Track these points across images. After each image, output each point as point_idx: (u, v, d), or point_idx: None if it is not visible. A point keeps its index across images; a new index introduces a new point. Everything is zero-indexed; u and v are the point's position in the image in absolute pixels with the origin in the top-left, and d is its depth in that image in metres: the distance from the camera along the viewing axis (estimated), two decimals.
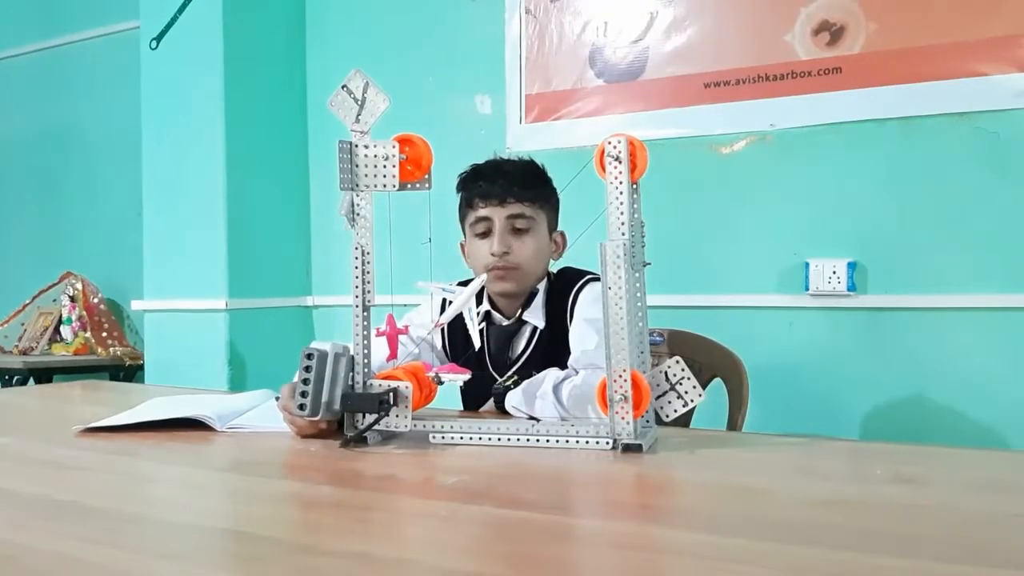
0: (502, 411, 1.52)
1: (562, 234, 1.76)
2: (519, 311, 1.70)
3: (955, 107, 2.19)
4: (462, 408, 1.66)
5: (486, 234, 1.67)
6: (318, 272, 3.19)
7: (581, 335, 1.61)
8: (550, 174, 1.74)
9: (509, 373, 1.59)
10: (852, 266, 2.28)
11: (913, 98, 2.23)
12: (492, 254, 1.63)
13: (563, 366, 1.58)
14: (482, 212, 1.67)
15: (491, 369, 1.68)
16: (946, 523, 0.85)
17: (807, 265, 2.33)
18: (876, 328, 2.28)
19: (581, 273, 1.70)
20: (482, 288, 1.71)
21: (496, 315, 1.72)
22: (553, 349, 1.65)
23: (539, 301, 1.70)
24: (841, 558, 0.74)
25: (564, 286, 1.70)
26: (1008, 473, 1.12)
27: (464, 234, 1.76)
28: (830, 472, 1.13)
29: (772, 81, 2.39)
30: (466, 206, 1.71)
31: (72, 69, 3.86)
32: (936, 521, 0.86)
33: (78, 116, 3.83)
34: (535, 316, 1.69)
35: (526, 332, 1.70)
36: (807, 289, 2.34)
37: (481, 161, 1.75)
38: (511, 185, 1.66)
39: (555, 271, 1.76)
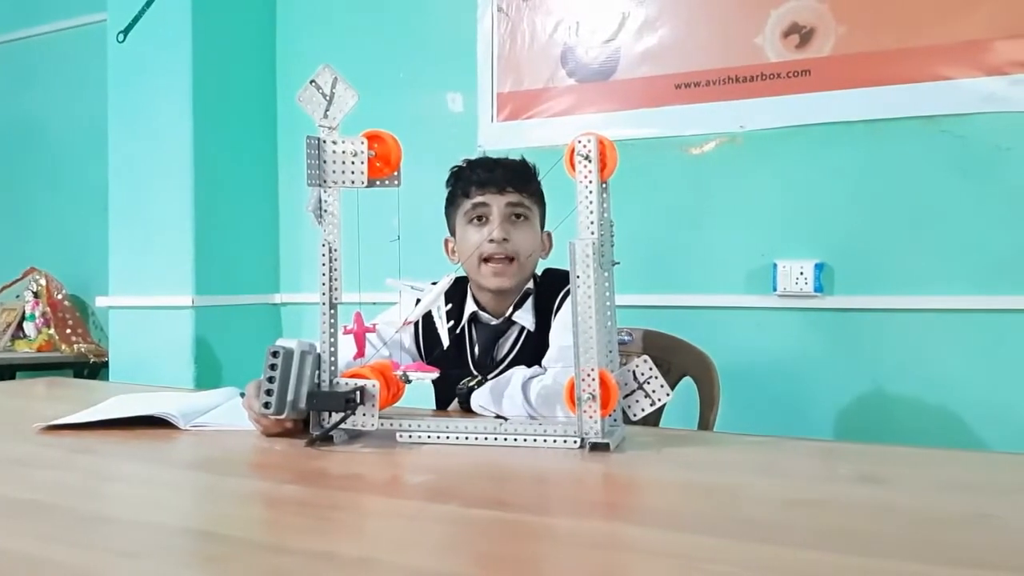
0: (467, 411, 1.51)
1: (549, 234, 1.76)
2: (509, 310, 1.69)
3: (922, 110, 2.21)
4: (435, 408, 1.65)
5: (482, 221, 1.66)
6: (286, 269, 3.17)
7: (560, 334, 1.61)
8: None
9: (474, 375, 1.58)
10: (819, 267, 2.30)
11: (881, 101, 2.25)
12: (492, 240, 1.62)
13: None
14: (480, 199, 1.66)
15: (473, 369, 1.67)
16: (909, 523, 0.86)
17: (775, 266, 2.35)
18: (843, 329, 2.30)
19: (567, 275, 1.70)
20: (464, 288, 1.71)
21: (483, 314, 1.71)
22: (540, 350, 1.64)
23: (531, 302, 1.70)
24: (805, 557, 0.74)
25: (551, 287, 1.69)
26: (972, 473, 1.13)
27: (452, 229, 1.75)
28: (796, 471, 1.14)
29: (742, 82, 2.40)
30: (461, 195, 1.70)
31: (38, 62, 3.80)
32: (899, 521, 0.86)
33: (43, 109, 3.77)
34: (526, 317, 1.68)
35: (513, 333, 1.70)
36: (775, 290, 2.35)
37: (457, 159, 1.76)
38: (510, 175, 1.67)
39: (540, 272, 1.75)
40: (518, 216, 1.67)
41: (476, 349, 1.70)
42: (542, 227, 1.74)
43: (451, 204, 1.74)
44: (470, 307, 1.71)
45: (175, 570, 0.77)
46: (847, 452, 1.31)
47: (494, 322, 1.70)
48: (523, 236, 1.66)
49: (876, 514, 0.89)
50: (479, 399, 1.50)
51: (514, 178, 1.67)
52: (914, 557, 0.74)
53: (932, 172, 2.21)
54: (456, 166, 1.74)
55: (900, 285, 2.24)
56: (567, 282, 1.65)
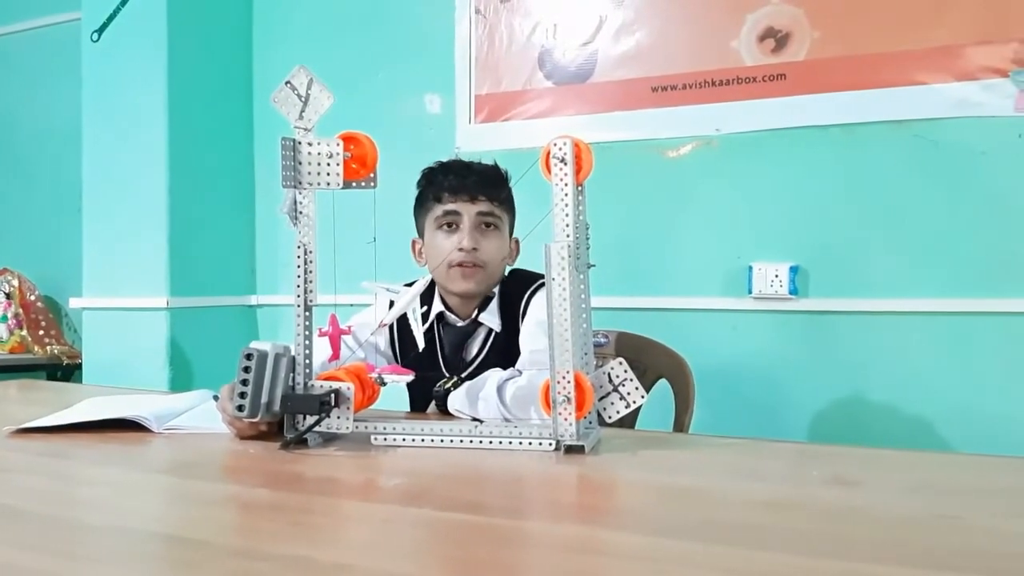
0: (445, 413, 1.51)
1: (516, 241, 1.77)
2: (474, 312, 1.69)
3: (895, 115, 2.23)
4: (409, 410, 1.65)
5: (452, 229, 1.66)
6: (263, 271, 3.15)
7: (531, 337, 1.61)
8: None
9: (448, 376, 1.58)
10: (794, 270, 2.32)
11: (855, 105, 2.27)
12: (461, 249, 1.62)
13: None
14: (451, 206, 1.66)
15: (444, 371, 1.67)
16: (879, 524, 0.86)
17: (750, 268, 2.36)
18: (817, 331, 2.32)
19: (534, 276, 1.70)
20: (432, 288, 1.70)
21: (450, 316, 1.71)
22: (508, 351, 1.64)
23: (495, 304, 1.70)
24: (776, 560, 0.75)
25: (517, 288, 1.69)
26: (942, 475, 1.14)
27: (420, 231, 1.74)
28: (769, 473, 1.15)
29: (718, 86, 2.41)
30: (432, 200, 1.70)
31: (10, 60, 3.75)
32: (869, 522, 0.87)
33: (16, 108, 3.73)
34: (491, 318, 1.68)
35: (481, 334, 1.70)
36: (750, 292, 2.37)
37: (433, 160, 1.75)
38: (482, 183, 1.67)
39: (507, 273, 1.75)
40: (488, 225, 1.67)
41: (446, 349, 1.70)
42: (511, 234, 1.74)
43: (421, 206, 1.73)
44: (437, 307, 1.71)
45: None
46: (820, 454, 1.32)
47: (460, 323, 1.70)
48: (492, 245, 1.66)
49: (846, 516, 0.90)
50: (455, 401, 1.50)
51: (486, 186, 1.67)
52: (882, 559, 0.74)
53: (906, 176, 2.23)
54: (428, 168, 1.73)
55: (874, 288, 2.26)
56: (533, 282, 1.66)
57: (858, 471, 1.14)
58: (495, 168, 1.73)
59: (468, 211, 1.65)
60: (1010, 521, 0.89)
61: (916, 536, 0.83)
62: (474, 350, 1.69)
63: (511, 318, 1.68)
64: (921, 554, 0.77)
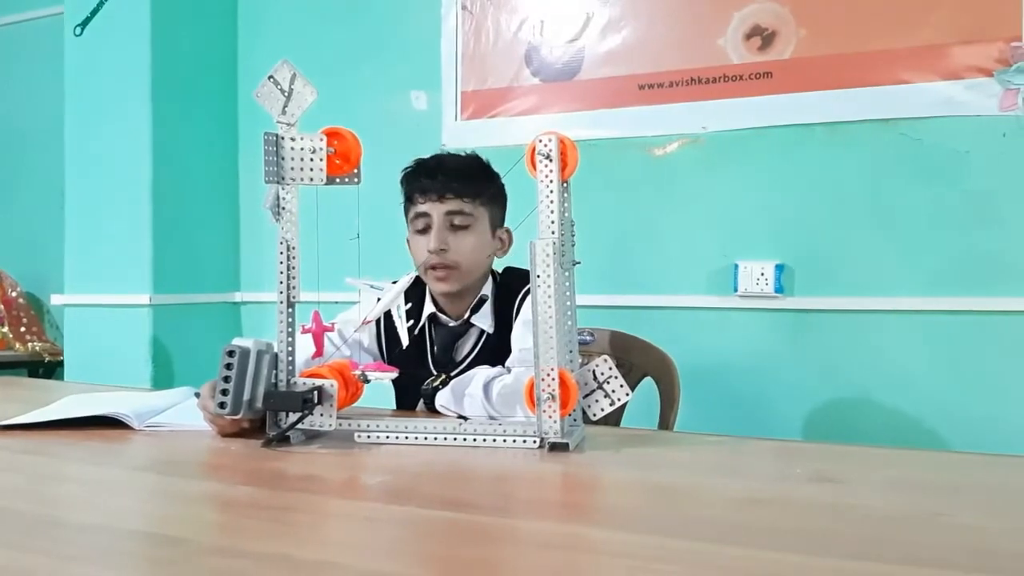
0: (433, 411, 1.50)
1: (508, 231, 1.74)
2: (467, 313, 1.68)
3: (881, 114, 2.23)
4: (395, 408, 1.64)
5: (425, 230, 1.65)
6: (247, 267, 3.13)
7: (520, 335, 1.60)
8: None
9: (437, 374, 1.57)
10: (780, 268, 2.32)
11: (841, 104, 2.27)
12: (429, 251, 1.61)
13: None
14: (421, 208, 1.65)
15: (432, 370, 1.66)
16: (861, 522, 0.86)
17: (736, 267, 2.36)
18: (803, 329, 2.32)
19: (528, 274, 1.68)
20: (424, 288, 1.69)
21: (442, 316, 1.70)
22: (500, 352, 1.63)
23: (488, 306, 1.68)
24: (760, 557, 0.75)
25: (510, 288, 1.68)
26: (925, 472, 1.14)
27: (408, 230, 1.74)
28: (753, 471, 1.15)
29: (705, 84, 2.41)
30: (407, 201, 1.69)
31: None
32: (851, 520, 0.87)
33: None
34: (484, 320, 1.67)
35: (473, 335, 1.69)
36: (736, 290, 2.37)
37: (419, 156, 1.73)
38: (450, 181, 1.64)
39: (500, 271, 1.74)
40: (458, 224, 1.64)
41: (435, 349, 1.69)
42: (498, 225, 1.72)
43: (404, 206, 1.72)
44: (428, 308, 1.70)
45: (125, 574, 0.76)
46: (805, 452, 1.32)
47: (452, 324, 1.69)
48: (464, 244, 1.63)
49: (830, 513, 0.90)
50: (441, 399, 1.49)
51: (455, 184, 1.63)
52: (867, 556, 0.74)
53: (891, 174, 2.24)
54: (405, 168, 1.72)
55: (859, 286, 2.26)
56: (527, 282, 1.65)
57: (841, 468, 1.14)
58: (471, 161, 1.70)
59: (437, 211, 1.63)
60: (992, 518, 0.89)
61: (899, 533, 0.83)
62: (465, 350, 1.68)
63: (504, 319, 1.67)
64: (904, 551, 0.77)
